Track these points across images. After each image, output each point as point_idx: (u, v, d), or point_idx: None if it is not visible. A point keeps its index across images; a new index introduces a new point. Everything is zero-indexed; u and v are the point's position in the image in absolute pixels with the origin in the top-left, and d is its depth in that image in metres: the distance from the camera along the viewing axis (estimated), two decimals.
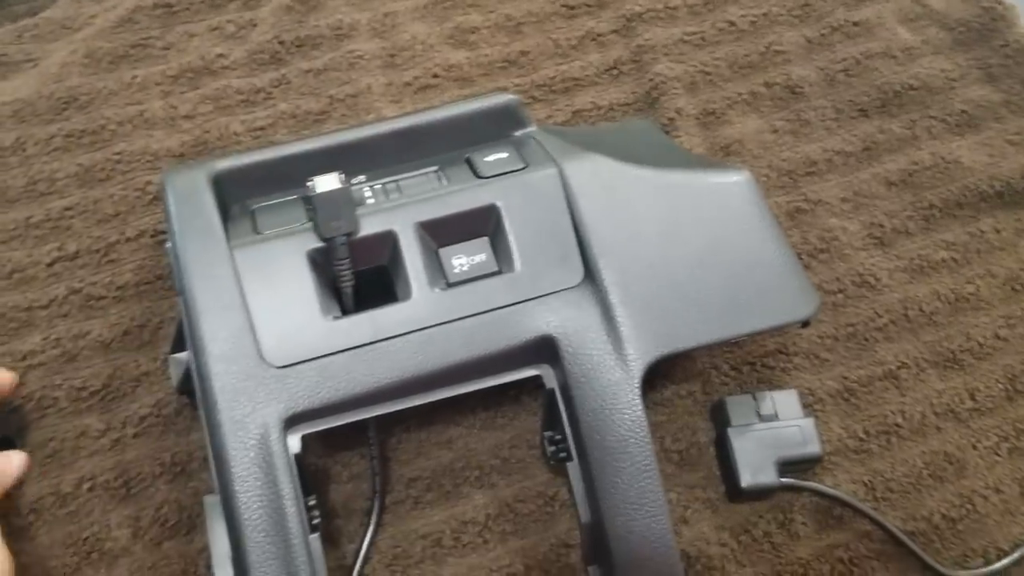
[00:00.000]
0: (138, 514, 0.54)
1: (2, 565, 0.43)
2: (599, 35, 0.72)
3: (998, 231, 0.66)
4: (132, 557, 0.53)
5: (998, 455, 0.59)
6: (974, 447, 0.59)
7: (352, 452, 0.57)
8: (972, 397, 0.60)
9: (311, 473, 0.56)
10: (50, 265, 0.60)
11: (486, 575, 0.54)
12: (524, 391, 0.58)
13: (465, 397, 0.51)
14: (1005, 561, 0.56)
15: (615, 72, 0.71)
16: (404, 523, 0.55)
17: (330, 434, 0.53)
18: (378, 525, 0.55)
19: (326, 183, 0.48)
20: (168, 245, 0.50)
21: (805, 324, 0.54)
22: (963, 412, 0.60)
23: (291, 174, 0.52)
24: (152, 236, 0.61)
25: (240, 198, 0.52)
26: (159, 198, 0.62)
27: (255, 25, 0.71)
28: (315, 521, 0.48)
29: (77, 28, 0.70)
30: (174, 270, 0.49)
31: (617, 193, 0.52)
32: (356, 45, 0.69)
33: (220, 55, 0.68)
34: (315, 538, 0.47)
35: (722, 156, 0.67)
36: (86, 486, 0.54)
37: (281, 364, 0.47)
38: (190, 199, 0.50)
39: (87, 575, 0.53)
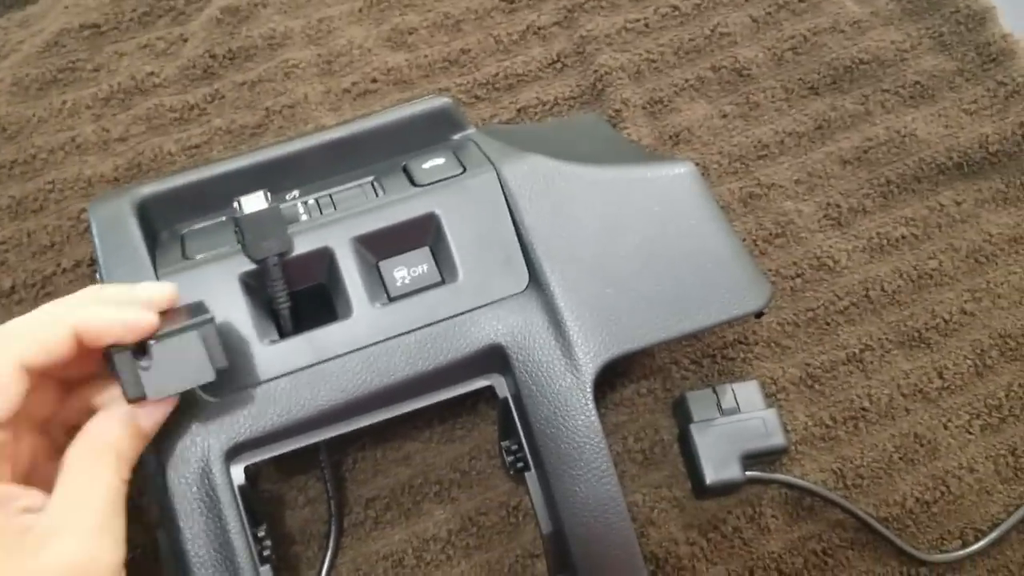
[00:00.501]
0: None
1: (108, 559, 0.39)
2: (540, 28, 0.70)
3: (958, 203, 0.64)
4: None
5: (970, 433, 0.58)
6: (945, 427, 0.58)
7: (307, 476, 0.55)
8: (940, 375, 0.59)
9: (264, 500, 0.55)
10: None
11: None
12: (481, 400, 0.57)
13: (421, 411, 0.50)
14: (983, 542, 0.55)
15: (559, 66, 0.69)
16: (364, 544, 0.54)
17: (283, 459, 0.52)
18: (336, 549, 0.54)
19: (252, 203, 0.47)
20: (98, 277, 0.48)
21: (759, 315, 0.53)
22: (932, 391, 0.59)
23: (221, 195, 0.50)
24: (89, 265, 0.59)
25: (169, 223, 0.51)
26: None
27: (186, 40, 0.69)
28: (266, 552, 0.47)
29: (3, 56, 0.68)
30: None
31: (558, 193, 0.50)
32: (291, 54, 0.68)
33: (151, 73, 0.67)
34: (266, 570, 0.46)
35: (671, 145, 0.66)
36: None
37: (218, 394, 0.45)
38: (115, 229, 0.48)
39: None
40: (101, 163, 0.63)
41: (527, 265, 0.49)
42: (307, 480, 0.55)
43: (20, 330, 0.39)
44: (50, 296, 0.58)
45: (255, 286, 0.47)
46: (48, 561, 0.36)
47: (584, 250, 0.50)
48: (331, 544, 0.53)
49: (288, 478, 0.55)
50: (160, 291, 0.42)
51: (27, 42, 0.68)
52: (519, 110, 0.67)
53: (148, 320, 0.39)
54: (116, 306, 0.40)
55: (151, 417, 0.41)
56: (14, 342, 0.38)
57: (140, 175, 0.63)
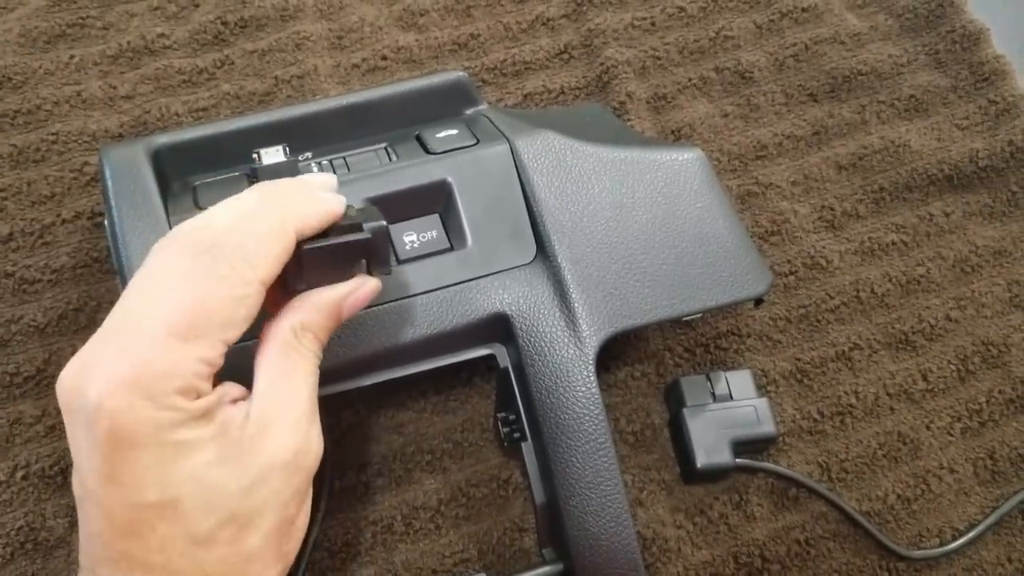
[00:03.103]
0: (75, 503, 0.52)
1: (316, 448, 0.38)
2: (549, 19, 0.71)
3: (947, 214, 0.66)
4: (69, 548, 0.51)
5: (951, 435, 0.59)
6: (928, 427, 0.59)
7: None
8: (925, 378, 0.61)
9: None
10: None
11: (438, 561, 0.53)
12: (476, 373, 0.57)
13: (416, 380, 0.50)
14: (960, 541, 0.56)
15: (566, 56, 0.70)
16: (354, 510, 0.54)
17: None
18: (327, 512, 0.53)
19: (272, 156, 0.47)
20: (105, 223, 0.48)
21: (758, 303, 0.54)
22: (916, 393, 0.60)
23: (234, 150, 0.50)
24: (89, 218, 0.59)
25: (181, 175, 0.51)
26: (97, 179, 0.60)
27: (197, 5, 0.69)
28: None
29: (11, 8, 0.67)
30: (111, 248, 0.47)
31: (570, 169, 0.51)
32: (302, 26, 0.68)
33: (161, 35, 0.66)
34: None
35: (673, 140, 0.67)
36: (20, 474, 0.52)
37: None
38: (128, 174, 0.48)
39: (22, 566, 0.51)
40: (106, 119, 0.63)
41: (536, 237, 0.50)
42: None
43: (251, 245, 0.36)
44: (48, 246, 0.58)
45: None
46: (272, 453, 0.35)
47: (593, 226, 0.50)
48: (322, 507, 0.53)
49: None
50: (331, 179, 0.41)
51: None
52: (525, 96, 0.67)
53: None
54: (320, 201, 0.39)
55: (355, 306, 0.40)
56: (252, 258, 0.36)
57: (146, 133, 0.62)
